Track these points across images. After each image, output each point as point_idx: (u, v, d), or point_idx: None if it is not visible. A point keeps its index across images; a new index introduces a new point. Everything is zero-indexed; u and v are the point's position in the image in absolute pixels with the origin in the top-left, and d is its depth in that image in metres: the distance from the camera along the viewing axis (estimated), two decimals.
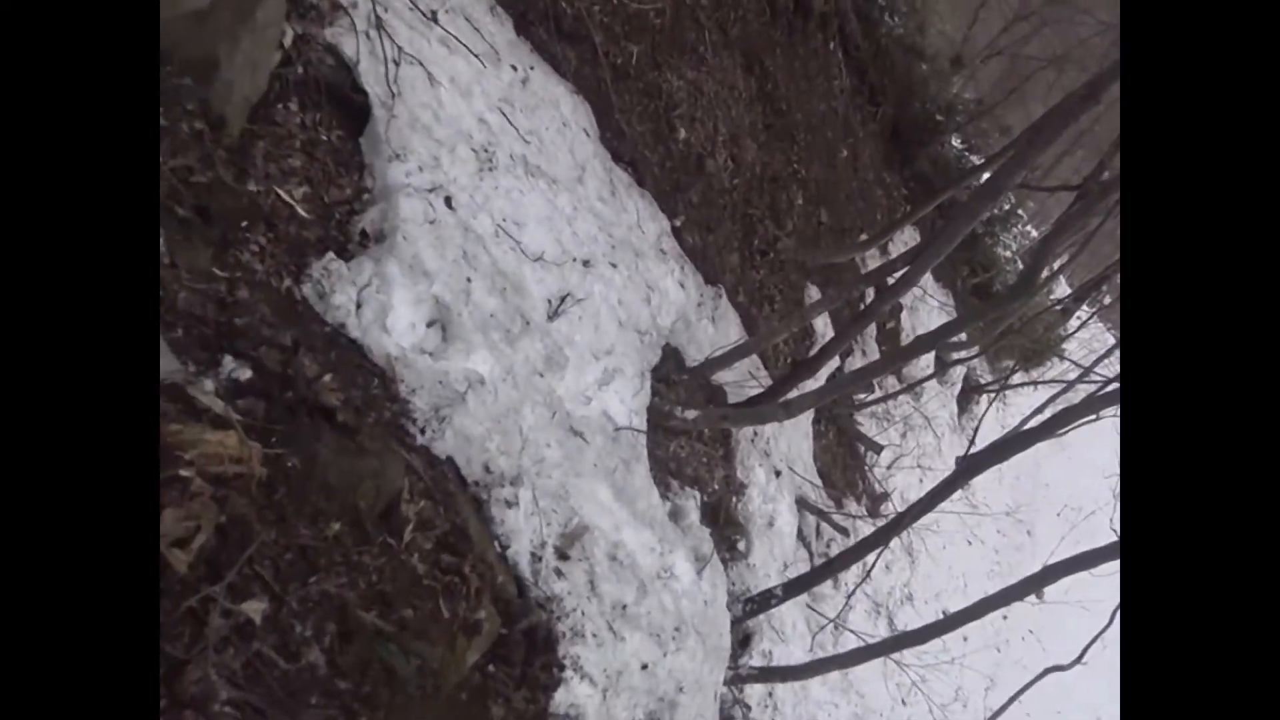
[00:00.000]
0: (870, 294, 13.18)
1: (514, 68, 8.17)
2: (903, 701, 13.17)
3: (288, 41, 5.80)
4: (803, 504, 12.03)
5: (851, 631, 11.58)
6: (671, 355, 9.47)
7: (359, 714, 3.85)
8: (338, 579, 4.00)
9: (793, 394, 9.64)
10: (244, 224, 5.04)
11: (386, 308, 5.61)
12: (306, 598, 3.76)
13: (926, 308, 17.91)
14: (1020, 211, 22.25)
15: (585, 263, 7.87)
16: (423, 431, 5.51)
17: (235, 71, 5.07)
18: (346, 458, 4.43)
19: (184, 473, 3.29)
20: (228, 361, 4.22)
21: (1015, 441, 8.27)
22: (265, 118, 5.62)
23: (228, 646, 3.26)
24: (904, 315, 17.05)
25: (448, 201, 6.51)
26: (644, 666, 6.64)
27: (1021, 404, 19.57)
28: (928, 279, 17.29)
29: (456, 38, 7.32)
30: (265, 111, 5.63)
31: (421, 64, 6.78)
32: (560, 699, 5.80)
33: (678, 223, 10.26)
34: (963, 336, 17.95)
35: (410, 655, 4.19)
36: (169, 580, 3.20)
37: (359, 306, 5.52)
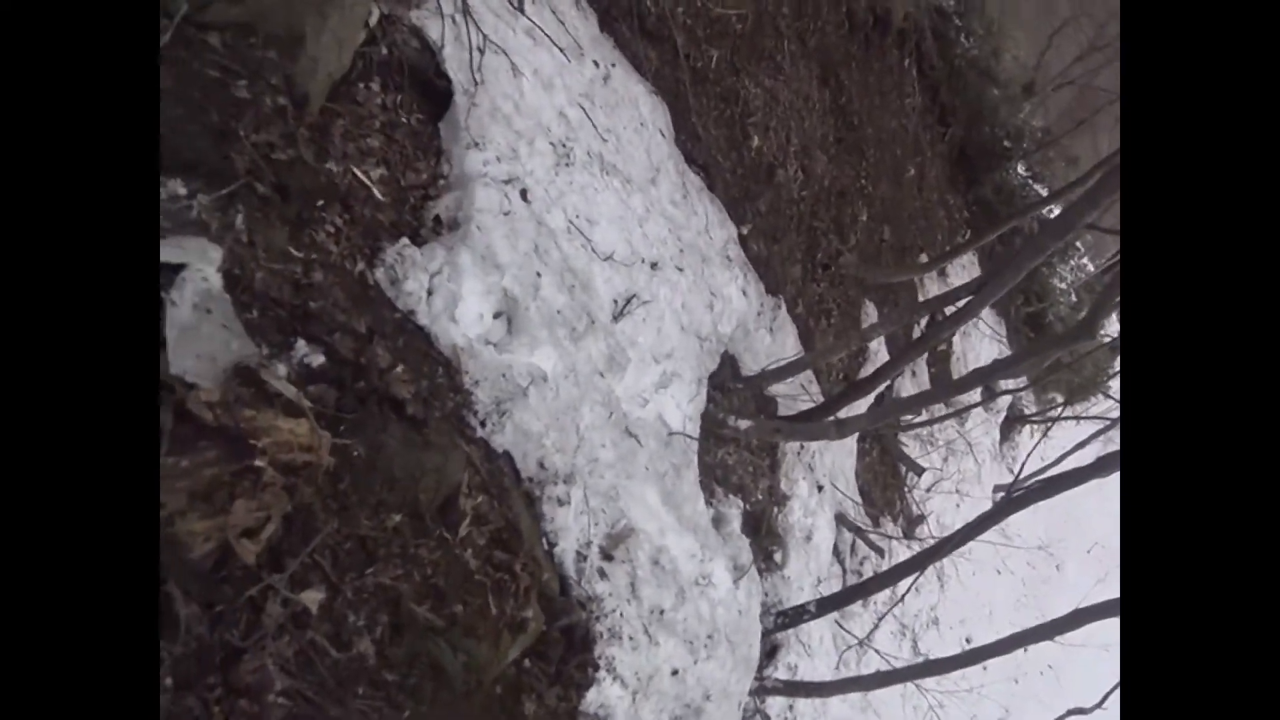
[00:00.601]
0: (925, 326, 13.09)
1: (596, 64, 8.16)
2: None
3: (373, 20, 5.78)
4: (841, 520, 12.00)
5: (877, 651, 11.52)
6: (728, 363, 9.45)
7: (403, 706, 3.86)
8: (394, 571, 4.00)
9: (845, 413, 9.58)
10: (320, 203, 5.00)
11: (456, 297, 5.60)
12: (362, 588, 3.77)
13: (979, 333, 17.83)
14: (1078, 244, 22.03)
15: (653, 265, 7.86)
16: (483, 424, 5.51)
17: (321, 49, 5.04)
18: (412, 450, 4.43)
19: (258, 462, 3.29)
20: (301, 346, 4.19)
21: (1064, 479, 8.18)
22: (346, 96, 5.60)
23: (283, 634, 3.27)
24: (956, 338, 16.95)
25: (523, 194, 6.48)
26: (675, 672, 6.64)
27: (1063, 437, 19.39)
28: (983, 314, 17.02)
29: (542, 29, 7.30)
30: (347, 90, 5.61)
31: (506, 53, 6.76)
32: (591, 699, 5.81)
33: (745, 230, 10.21)
34: None
35: (458, 651, 4.19)
36: (232, 569, 3.21)
37: (430, 294, 5.50)
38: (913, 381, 14.78)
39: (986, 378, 8.68)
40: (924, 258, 15.35)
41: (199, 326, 3.48)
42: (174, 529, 2.94)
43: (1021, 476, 10.23)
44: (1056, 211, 11.66)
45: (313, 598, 3.41)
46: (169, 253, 3.55)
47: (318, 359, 4.22)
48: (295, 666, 3.26)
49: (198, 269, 3.57)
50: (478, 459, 5.21)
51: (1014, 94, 19.97)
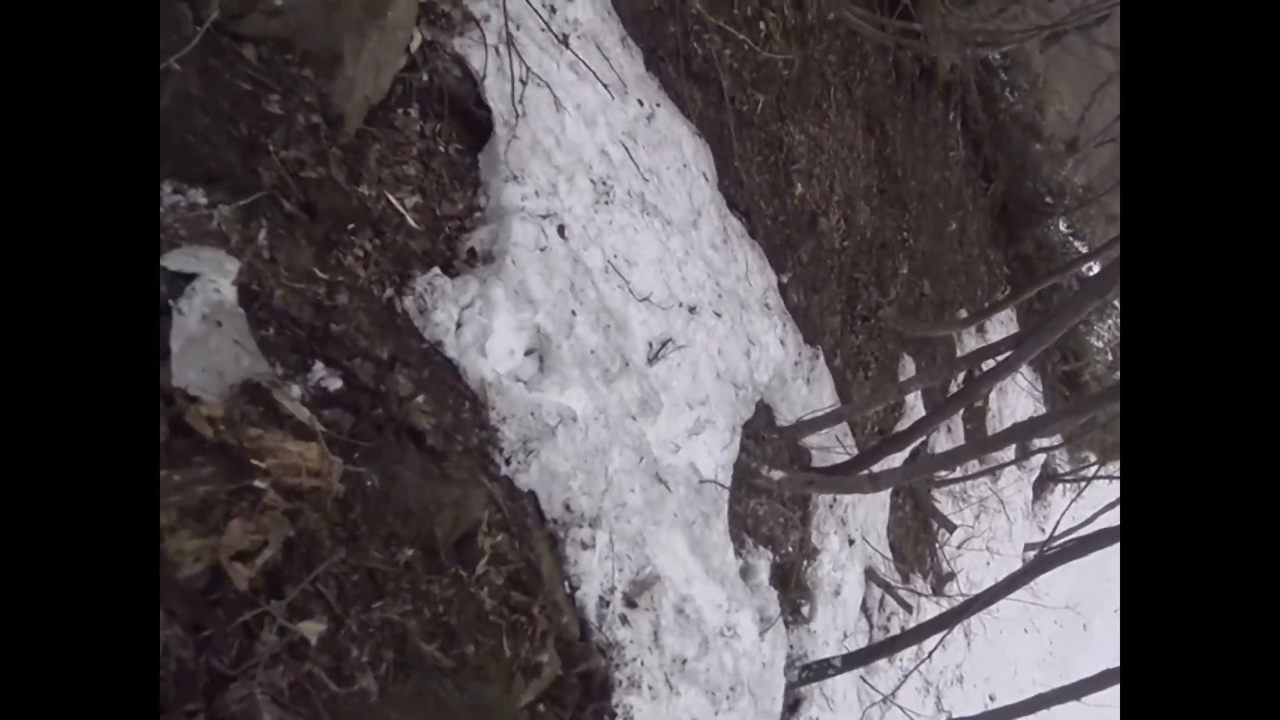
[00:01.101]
0: (963, 382, 12.96)
1: (640, 102, 8.06)
2: None
3: (415, 46, 5.71)
4: (871, 575, 11.79)
5: (900, 708, 11.32)
6: (764, 412, 9.29)
7: None
8: (403, 606, 3.81)
9: (879, 467, 9.40)
10: (350, 226, 4.89)
11: (487, 331, 5.47)
12: (368, 622, 3.58)
13: (1015, 389, 17.71)
14: (1115, 303, 21.84)
15: (691, 309, 7.73)
16: (508, 462, 5.36)
17: (359, 70, 4.99)
18: (429, 483, 4.26)
19: (259, 483, 3.13)
20: (318, 368, 4.05)
21: (1095, 539, 7.98)
22: (384, 120, 5.52)
23: (277, 664, 3.08)
24: (993, 395, 16.84)
25: (561, 230, 6.38)
26: None
27: (1095, 497, 19.16)
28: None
29: (586, 64, 7.22)
30: (384, 114, 5.53)
31: (549, 86, 6.67)
32: None
33: (785, 279, 10.10)
34: None
35: (465, 692, 3.99)
36: (225, 592, 3.05)
37: (459, 326, 5.38)
38: (948, 438, 14.60)
39: (1022, 435, 8.55)
40: (963, 313, 15.25)
41: (207, 339, 3.34)
42: (163, 546, 2.78)
43: (1054, 535, 10.00)
44: (1096, 269, 11.50)
45: (312, 628, 3.22)
46: (182, 261, 3.43)
47: (335, 383, 4.06)
48: (289, 699, 3.07)
49: (210, 280, 3.44)
50: (500, 497, 5.05)
51: (1057, 150, 19.92)
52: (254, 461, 3.17)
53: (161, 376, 3.08)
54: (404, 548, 3.96)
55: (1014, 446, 16.71)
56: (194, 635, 2.83)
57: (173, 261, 3.43)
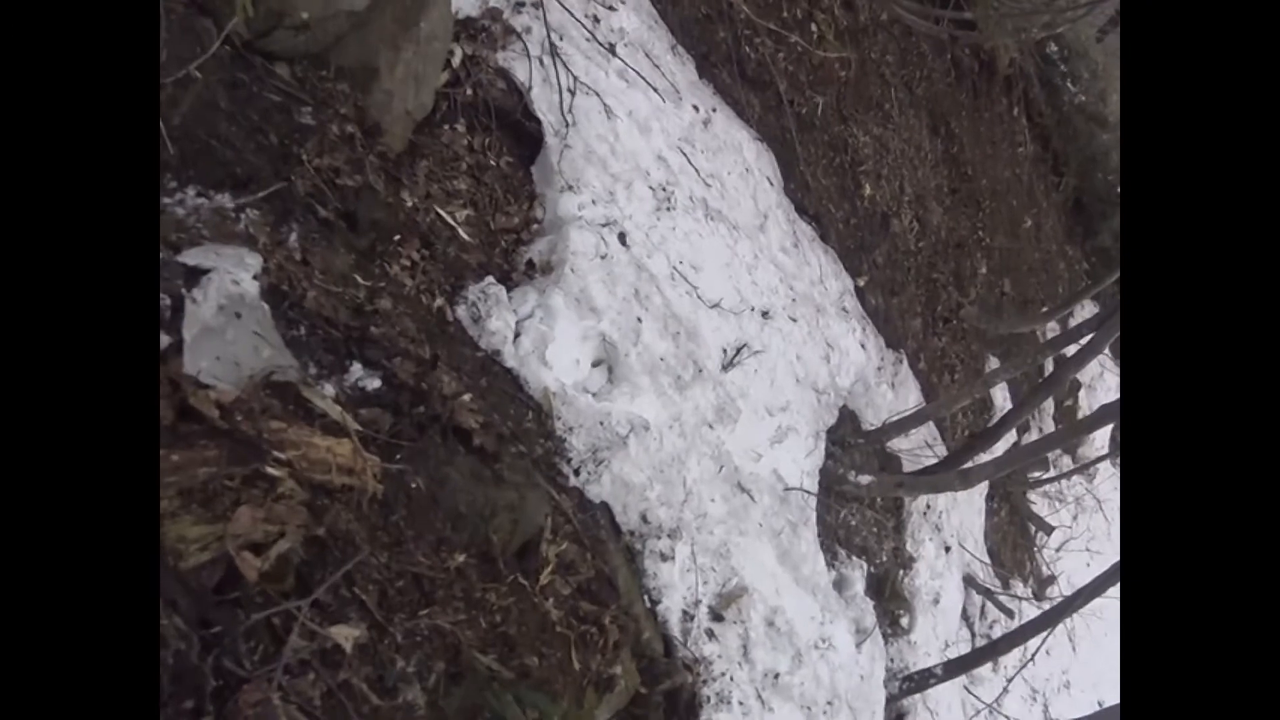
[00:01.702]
0: (1050, 368, 12.62)
1: (695, 108, 7.96)
2: None
3: (456, 61, 5.69)
4: (970, 582, 11.49)
5: (1006, 717, 10.94)
6: (848, 418, 9.07)
7: None
8: (455, 615, 3.55)
9: (969, 464, 9.09)
10: (397, 238, 4.81)
11: (547, 339, 5.32)
12: (414, 630, 3.32)
13: (1104, 386, 17.25)
14: None
15: (764, 313, 7.53)
16: (577, 473, 5.16)
17: (395, 83, 4.96)
18: (481, 486, 4.01)
19: (271, 470, 2.89)
20: (356, 369, 3.89)
21: None
22: (430, 136, 5.52)
23: (307, 671, 2.83)
24: (1082, 393, 16.49)
25: (621, 238, 6.26)
26: None
27: None
28: (1106, 358, 16.73)
29: (637, 71, 7.14)
30: (430, 130, 5.53)
31: (598, 95, 6.59)
32: None
33: (861, 282, 9.89)
34: None
35: (526, 706, 3.71)
36: (247, 591, 2.81)
37: (517, 335, 5.25)
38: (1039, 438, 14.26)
39: (1113, 415, 8.17)
40: (1045, 309, 14.88)
41: (224, 330, 3.20)
42: (163, 531, 2.54)
43: None
44: None
45: (346, 633, 2.95)
46: (200, 257, 3.34)
47: (374, 383, 3.89)
48: (322, 710, 2.81)
49: (228, 273, 3.27)
50: (569, 507, 4.83)
51: None
52: (274, 453, 2.93)
53: (173, 364, 2.90)
54: (455, 553, 3.71)
55: (1107, 443, 16.42)
56: (199, 630, 2.58)
57: (190, 257, 3.33)
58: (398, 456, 3.67)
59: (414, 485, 3.65)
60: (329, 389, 3.66)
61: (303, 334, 3.79)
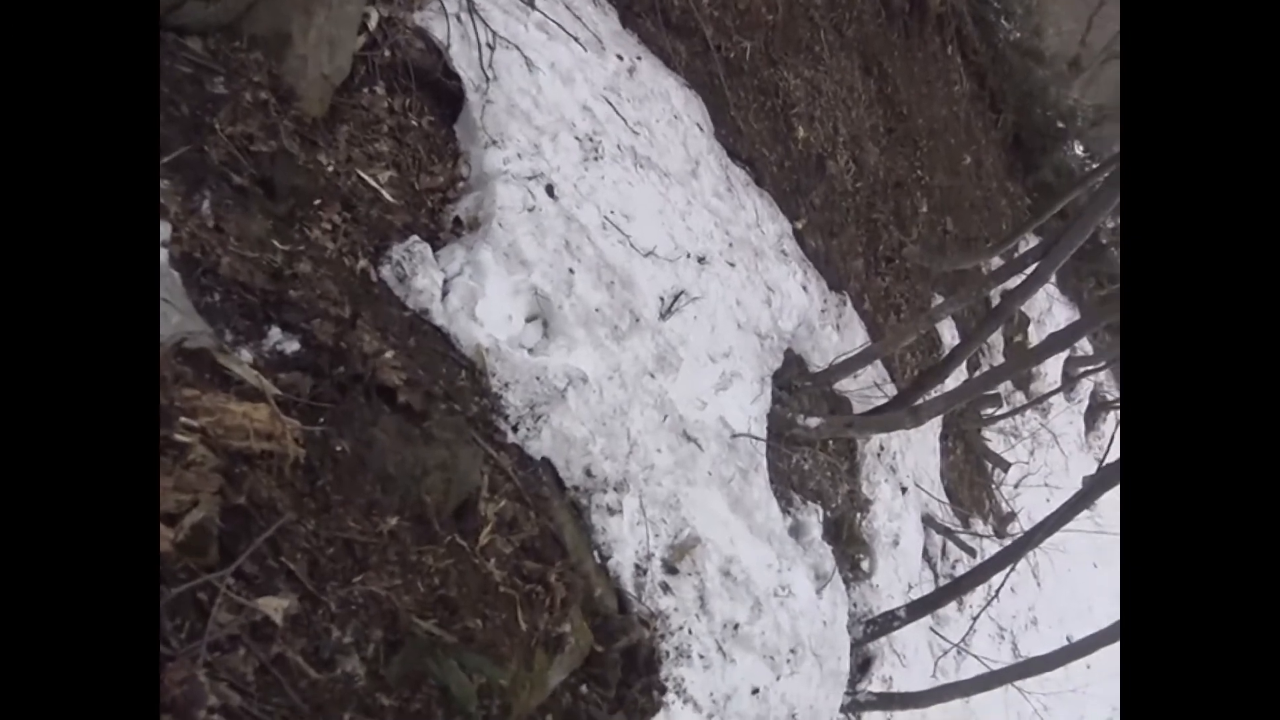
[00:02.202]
0: (996, 301, 12.63)
1: (620, 57, 7.89)
2: None
3: (373, 24, 5.61)
4: (929, 522, 11.48)
5: (975, 656, 10.96)
6: (794, 362, 9.02)
7: None
8: (390, 580, 3.43)
9: (920, 401, 9.06)
10: (317, 202, 4.72)
11: (477, 295, 5.24)
12: (348, 599, 3.20)
13: (1053, 319, 17.26)
14: None
15: (700, 259, 7.45)
16: (515, 429, 5.07)
17: (309, 48, 4.91)
18: (410, 445, 3.88)
19: (180, 437, 2.75)
20: (274, 333, 3.78)
21: None
22: (350, 100, 5.45)
23: (237, 647, 2.71)
24: (1031, 328, 16.48)
25: (549, 190, 6.19)
26: (755, 691, 6.16)
27: None
28: (1053, 291, 16.94)
29: (557, 23, 7.08)
30: (350, 95, 5.46)
31: (518, 48, 6.52)
32: None
33: (799, 225, 9.81)
34: (1089, 351, 17.72)
35: (471, 671, 3.61)
36: (167, 563, 2.69)
37: (445, 293, 5.15)
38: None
39: (1061, 342, 8.21)
40: (990, 245, 14.89)
41: None
42: None
43: (1108, 460, 9.62)
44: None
45: (275, 605, 2.83)
46: None
47: (292, 345, 3.79)
48: (256, 686, 2.69)
49: None
50: (509, 466, 4.75)
51: (1061, 72, 19.50)
52: (182, 419, 2.81)
53: None
54: (387, 516, 3.59)
55: (1060, 378, 16.58)
56: None
57: None
58: (320, 420, 3.57)
59: (339, 448, 3.54)
60: (246, 354, 3.55)
61: (217, 300, 3.69)
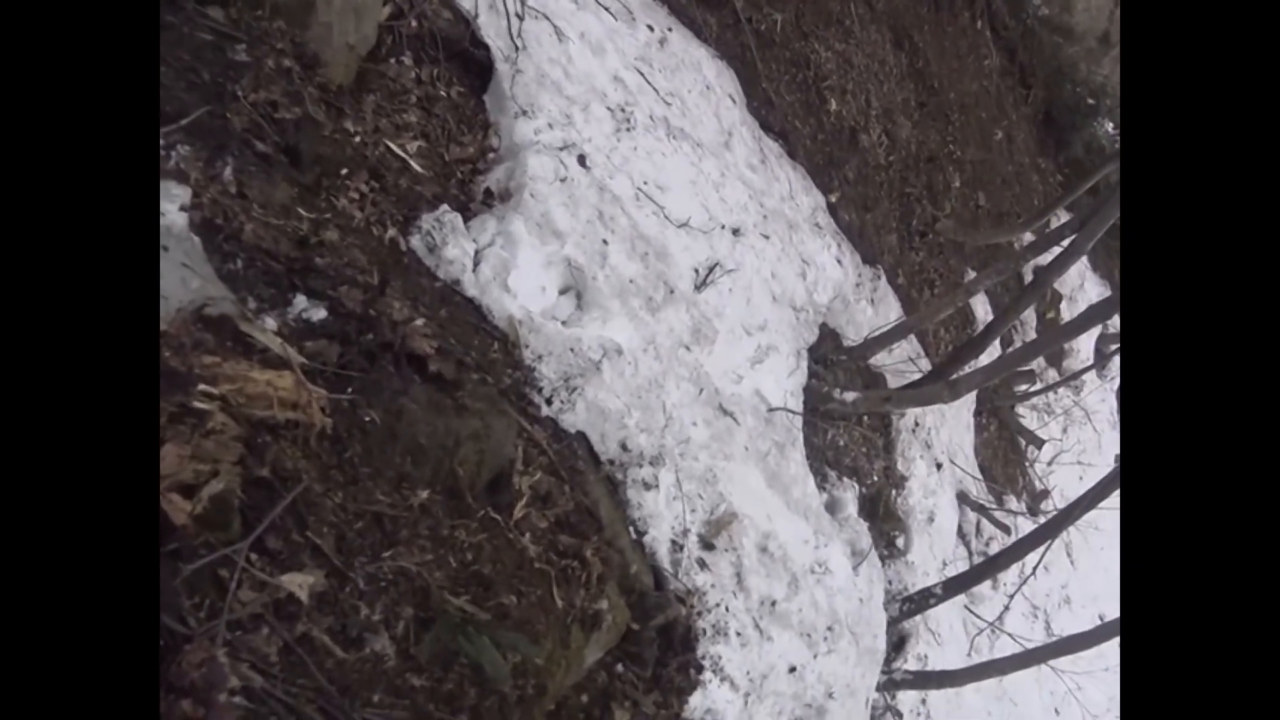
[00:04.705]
0: (1030, 277, 12.51)
1: (650, 28, 7.84)
2: (1056, 711, 12.58)
3: None
4: (963, 499, 11.40)
5: (1009, 635, 10.88)
6: (829, 336, 8.94)
7: (435, 717, 3.14)
8: (421, 555, 3.32)
9: (957, 375, 8.94)
10: (344, 171, 4.63)
11: (509, 266, 5.16)
12: (377, 575, 3.09)
13: (1086, 297, 17.12)
14: None
15: (735, 231, 7.37)
16: (549, 401, 4.97)
17: (334, 15, 4.79)
18: (441, 416, 3.77)
19: (199, 404, 2.63)
20: (299, 300, 3.67)
21: None
22: (377, 71, 5.36)
23: (260, 626, 2.60)
24: (1063, 305, 16.35)
25: (581, 160, 6.10)
26: (792, 669, 6.06)
27: None
28: (1085, 270, 16.81)
29: None
30: (376, 65, 5.37)
31: (547, 18, 6.48)
32: (696, 703, 5.22)
33: (833, 198, 9.75)
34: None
35: (505, 649, 3.49)
36: (185, 539, 2.57)
37: (477, 264, 5.05)
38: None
39: (1098, 316, 8.10)
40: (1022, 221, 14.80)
41: None
42: None
43: None
44: None
45: (300, 581, 2.71)
46: None
47: (319, 313, 3.67)
48: (281, 668, 2.58)
49: None
50: (542, 437, 4.65)
51: (1091, 47, 19.28)
52: (201, 385, 2.69)
53: None
54: (418, 489, 3.48)
55: (1092, 354, 16.52)
56: None
57: None
58: (348, 389, 3.45)
59: (368, 419, 3.42)
60: (270, 322, 3.43)
61: (240, 267, 3.58)
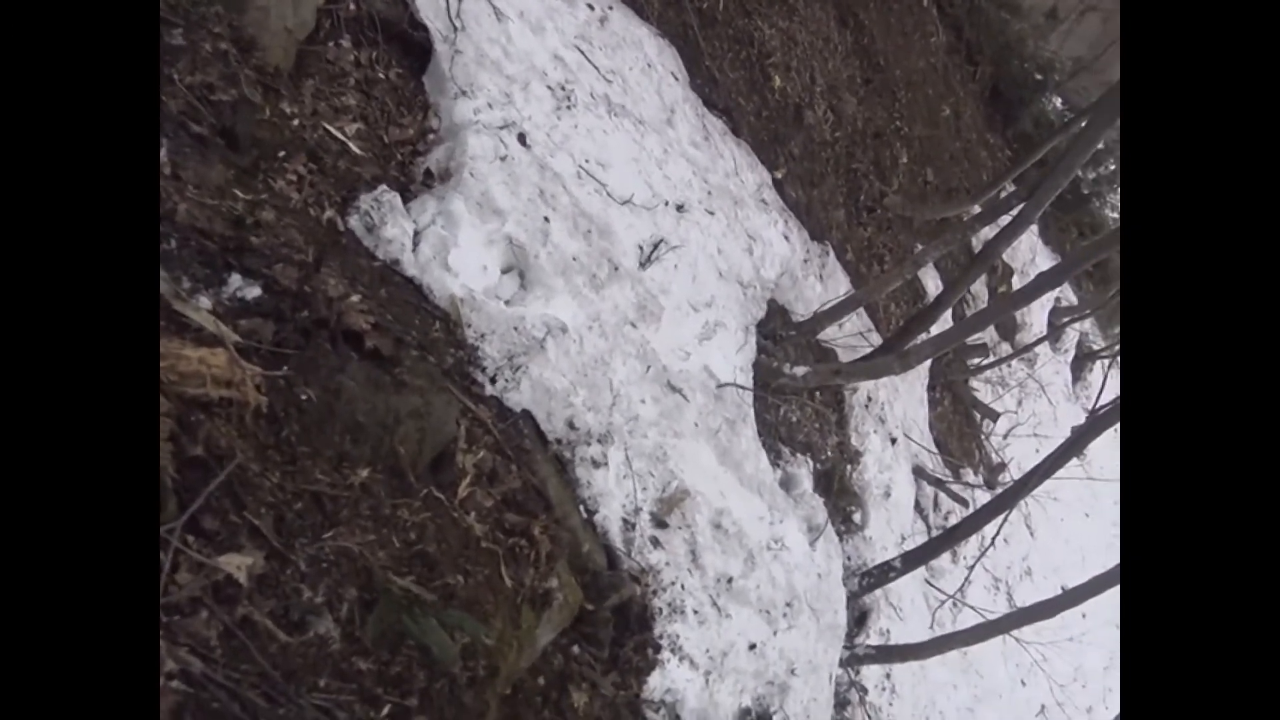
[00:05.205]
0: (980, 248, 12.59)
1: (590, 6, 7.79)
2: (1022, 682, 12.64)
3: None
4: (920, 473, 11.45)
5: (971, 608, 10.91)
6: (778, 312, 8.96)
7: (383, 700, 3.09)
8: (363, 535, 3.26)
9: (908, 346, 8.96)
10: (282, 154, 4.61)
11: (449, 245, 5.12)
12: (318, 556, 3.02)
13: (1037, 270, 17.17)
14: None
15: (679, 208, 7.36)
16: (493, 380, 4.92)
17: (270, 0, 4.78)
18: (380, 393, 3.71)
19: None
20: (234, 279, 3.60)
21: None
22: (315, 55, 5.32)
23: (198, 609, 2.53)
24: (1015, 279, 16.46)
25: (521, 139, 6.08)
26: (751, 646, 6.03)
27: None
28: (1036, 243, 16.95)
29: None
30: (315, 49, 5.32)
31: None
32: (655, 683, 5.20)
33: (779, 175, 9.74)
34: (1074, 301, 18.02)
35: (453, 629, 3.43)
36: None
37: (416, 243, 5.03)
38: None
39: (1047, 283, 8.21)
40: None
41: None
42: None
43: (1097, 408, 9.57)
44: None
45: (239, 562, 2.64)
46: None
47: (253, 292, 3.60)
48: (222, 653, 2.51)
49: None
50: (488, 418, 4.60)
51: (1038, 23, 19.41)
52: None
53: None
54: (358, 468, 3.42)
55: (1046, 327, 16.61)
56: None
57: None
58: (284, 367, 3.39)
59: (304, 396, 3.36)
60: (204, 301, 3.37)
61: (174, 247, 3.51)
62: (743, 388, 7.27)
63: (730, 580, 5.96)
